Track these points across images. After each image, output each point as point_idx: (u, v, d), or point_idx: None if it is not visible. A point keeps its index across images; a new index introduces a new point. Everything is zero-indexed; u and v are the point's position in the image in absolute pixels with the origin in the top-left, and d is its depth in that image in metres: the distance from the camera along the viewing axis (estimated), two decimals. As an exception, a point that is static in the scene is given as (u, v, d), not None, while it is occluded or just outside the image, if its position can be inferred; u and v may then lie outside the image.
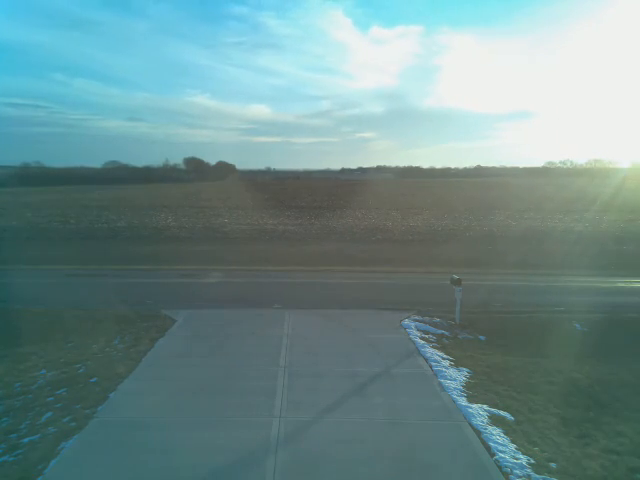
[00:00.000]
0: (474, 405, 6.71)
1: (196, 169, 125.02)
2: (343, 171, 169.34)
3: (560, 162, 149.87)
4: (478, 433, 5.98)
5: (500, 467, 5.29)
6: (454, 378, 7.62)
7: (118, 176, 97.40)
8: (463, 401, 6.83)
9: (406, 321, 10.58)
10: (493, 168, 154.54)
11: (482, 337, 9.93)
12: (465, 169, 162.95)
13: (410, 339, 9.44)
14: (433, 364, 8.16)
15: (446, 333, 10.05)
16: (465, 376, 7.77)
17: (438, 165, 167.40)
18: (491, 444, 5.72)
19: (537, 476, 5.15)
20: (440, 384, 7.39)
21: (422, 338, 9.54)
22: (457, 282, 10.63)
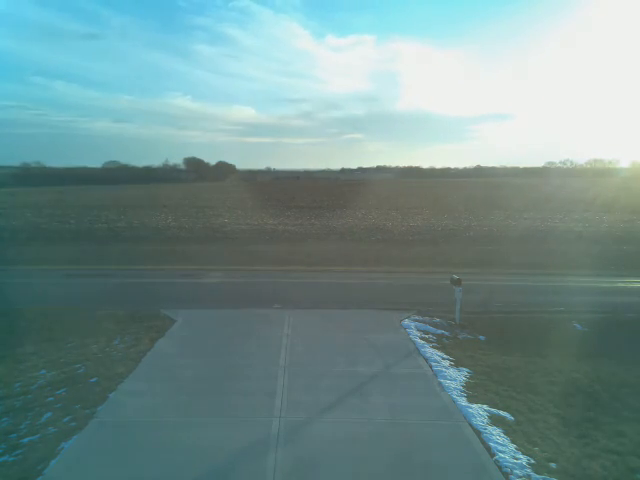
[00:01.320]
0: (474, 405, 6.71)
1: (196, 169, 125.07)
2: (343, 171, 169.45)
3: (560, 162, 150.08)
4: (478, 433, 5.98)
5: (500, 467, 5.29)
6: (454, 378, 7.62)
7: (118, 176, 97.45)
8: (463, 401, 6.83)
9: (406, 321, 10.58)
10: (493, 168, 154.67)
11: (482, 337, 9.92)
12: (465, 169, 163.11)
13: (410, 339, 9.44)
14: (433, 364, 8.16)
15: (446, 333, 10.05)
16: (465, 376, 7.77)
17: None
18: (491, 444, 5.72)
19: (537, 476, 5.14)
20: (440, 384, 7.39)
21: (422, 338, 9.54)
22: (457, 282, 10.63)
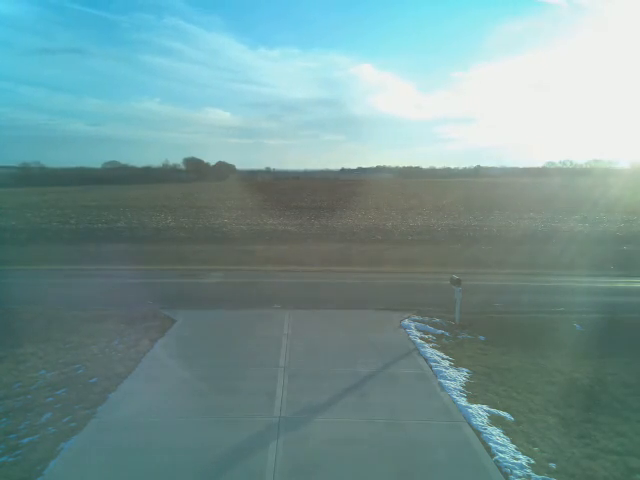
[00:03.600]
0: (474, 405, 6.71)
1: (196, 169, 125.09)
2: (343, 171, 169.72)
3: (560, 162, 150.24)
4: (478, 433, 5.98)
5: (500, 467, 5.29)
6: (454, 378, 7.62)
7: (118, 176, 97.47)
8: (463, 401, 6.83)
9: (406, 321, 10.58)
10: (493, 168, 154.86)
11: (482, 337, 9.92)
12: (465, 169, 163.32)
13: (410, 339, 9.44)
14: (433, 364, 8.16)
15: (446, 333, 10.05)
16: (465, 376, 7.77)
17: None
18: (491, 444, 5.72)
19: (537, 476, 5.14)
20: (440, 384, 7.39)
21: (422, 338, 9.54)
22: (457, 282, 10.63)
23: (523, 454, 5.55)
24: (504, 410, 6.65)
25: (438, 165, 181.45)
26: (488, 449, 5.64)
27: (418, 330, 10.02)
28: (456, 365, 8.23)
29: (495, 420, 6.34)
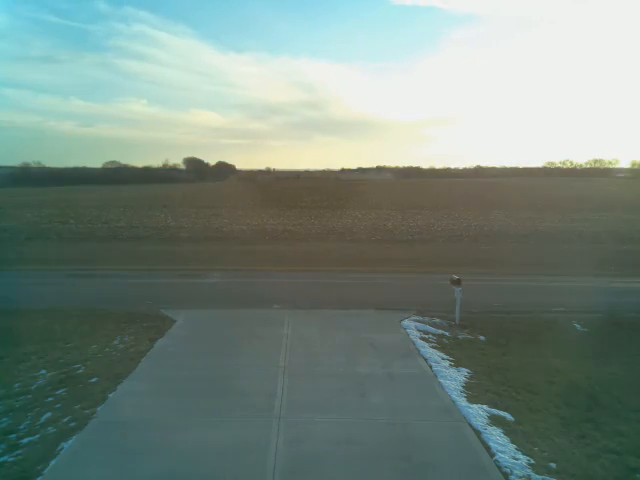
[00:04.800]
0: (474, 405, 6.71)
1: (196, 169, 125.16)
2: (343, 171, 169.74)
3: (560, 162, 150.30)
4: (478, 433, 5.97)
5: (500, 467, 5.29)
6: (454, 378, 7.62)
7: (118, 176, 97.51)
8: (463, 401, 6.83)
9: (406, 321, 10.58)
10: (493, 168, 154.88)
11: (482, 337, 9.91)
12: (465, 169, 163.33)
13: (410, 339, 9.44)
14: (433, 364, 8.16)
15: (446, 333, 10.05)
16: (465, 376, 7.77)
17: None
18: (491, 444, 5.72)
19: (537, 476, 5.14)
20: (440, 384, 7.38)
21: (422, 338, 9.54)
22: (457, 282, 10.63)
23: (523, 454, 5.55)
24: (504, 410, 6.64)
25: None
26: (488, 449, 5.64)
27: (418, 330, 10.02)
28: (456, 365, 8.23)
29: (495, 420, 6.34)
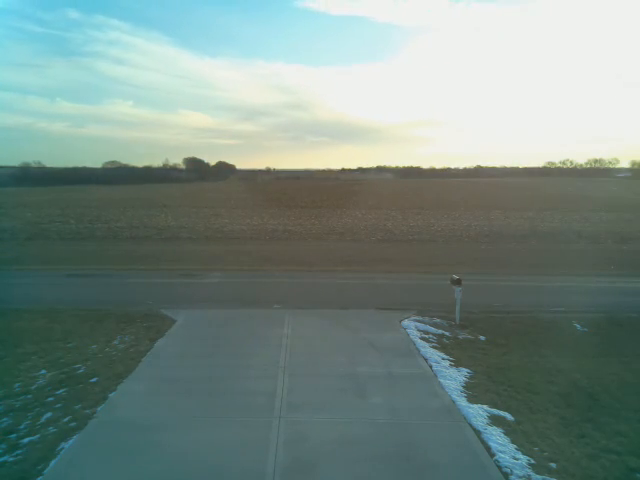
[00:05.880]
0: (474, 405, 6.71)
1: (196, 169, 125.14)
2: (343, 171, 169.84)
3: (560, 162, 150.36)
4: (478, 433, 5.97)
5: (500, 467, 5.29)
6: (454, 378, 7.62)
7: (118, 176, 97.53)
8: (463, 401, 6.83)
9: (406, 321, 10.58)
10: (493, 168, 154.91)
11: (482, 337, 9.91)
12: (465, 169, 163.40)
13: (410, 339, 9.44)
14: (433, 364, 8.16)
15: (446, 333, 10.04)
16: (465, 376, 7.77)
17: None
18: (491, 444, 5.72)
19: (537, 476, 5.14)
20: (440, 384, 7.38)
21: (422, 338, 9.54)
22: (457, 282, 10.63)
23: (523, 454, 5.55)
24: (504, 410, 6.65)
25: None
26: (488, 449, 5.64)
27: (418, 330, 10.02)
28: (456, 365, 8.23)
29: (495, 420, 6.34)
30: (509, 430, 6.10)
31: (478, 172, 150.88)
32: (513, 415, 6.51)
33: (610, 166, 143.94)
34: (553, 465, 5.37)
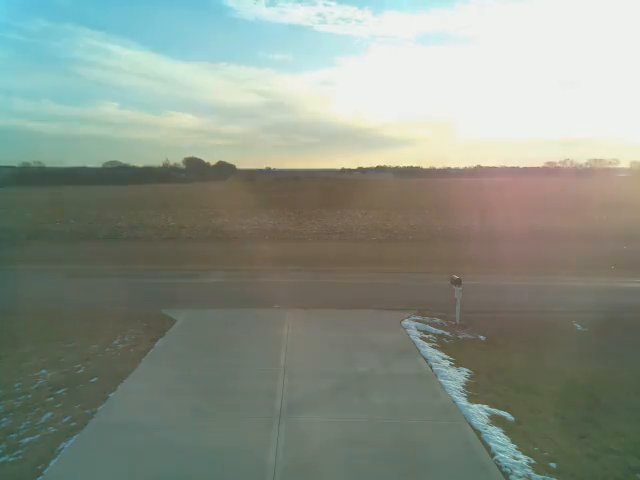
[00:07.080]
0: (474, 405, 6.71)
1: (196, 169, 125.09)
2: (343, 171, 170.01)
3: (560, 162, 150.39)
4: (478, 433, 5.97)
5: (500, 467, 5.28)
6: (454, 378, 7.62)
7: (118, 176, 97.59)
8: (463, 401, 6.83)
9: (406, 321, 10.58)
10: (494, 168, 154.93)
11: (482, 337, 9.92)
12: (465, 169, 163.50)
13: (410, 339, 9.44)
14: (433, 364, 8.16)
15: (446, 333, 10.05)
16: (465, 376, 7.77)
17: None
18: (491, 444, 5.72)
19: (537, 476, 5.14)
20: (440, 384, 7.38)
21: (422, 338, 9.53)
22: (457, 282, 10.63)
23: (523, 454, 5.54)
24: (504, 410, 6.64)
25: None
26: (488, 449, 5.63)
27: (418, 330, 10.02)
28: (456, 365, 8.23)
29: (495, 420, 6.34)
30: (509, 430, 6.10)
31: (478, 172, 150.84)
32: (513, 415, 6.51)
33: (610, 166, 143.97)
34: (553, 465, 5.36)
